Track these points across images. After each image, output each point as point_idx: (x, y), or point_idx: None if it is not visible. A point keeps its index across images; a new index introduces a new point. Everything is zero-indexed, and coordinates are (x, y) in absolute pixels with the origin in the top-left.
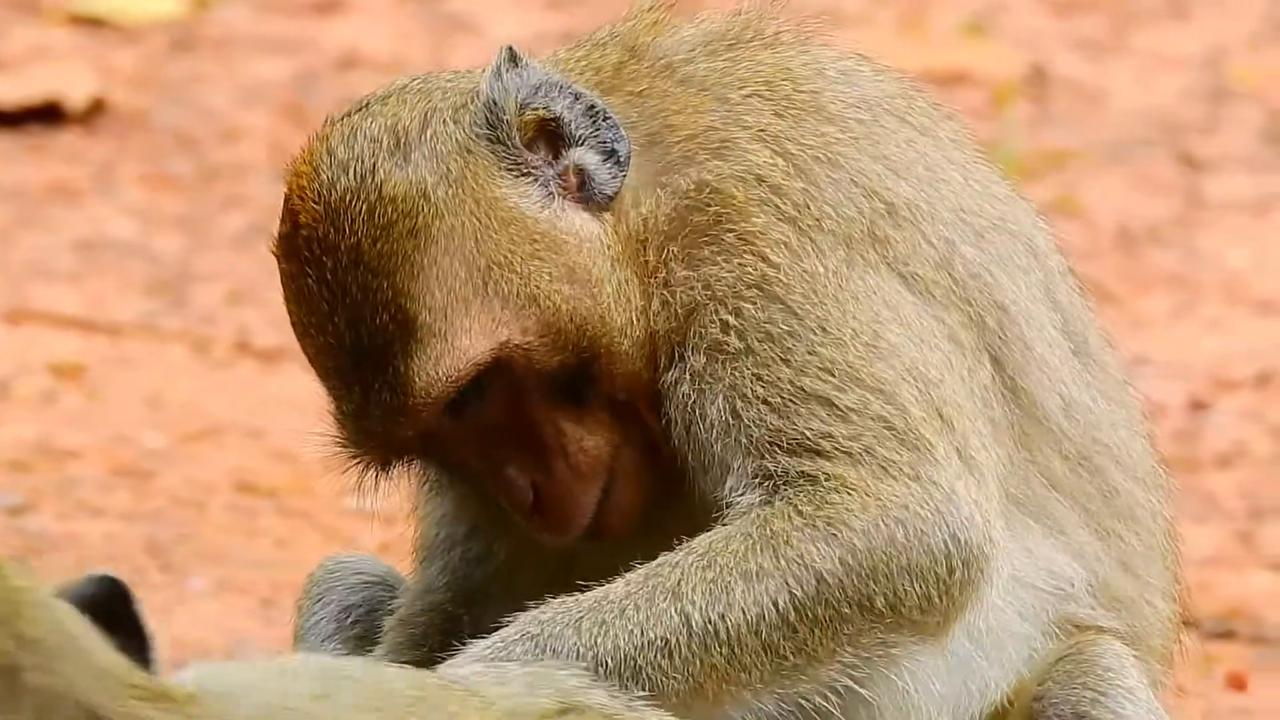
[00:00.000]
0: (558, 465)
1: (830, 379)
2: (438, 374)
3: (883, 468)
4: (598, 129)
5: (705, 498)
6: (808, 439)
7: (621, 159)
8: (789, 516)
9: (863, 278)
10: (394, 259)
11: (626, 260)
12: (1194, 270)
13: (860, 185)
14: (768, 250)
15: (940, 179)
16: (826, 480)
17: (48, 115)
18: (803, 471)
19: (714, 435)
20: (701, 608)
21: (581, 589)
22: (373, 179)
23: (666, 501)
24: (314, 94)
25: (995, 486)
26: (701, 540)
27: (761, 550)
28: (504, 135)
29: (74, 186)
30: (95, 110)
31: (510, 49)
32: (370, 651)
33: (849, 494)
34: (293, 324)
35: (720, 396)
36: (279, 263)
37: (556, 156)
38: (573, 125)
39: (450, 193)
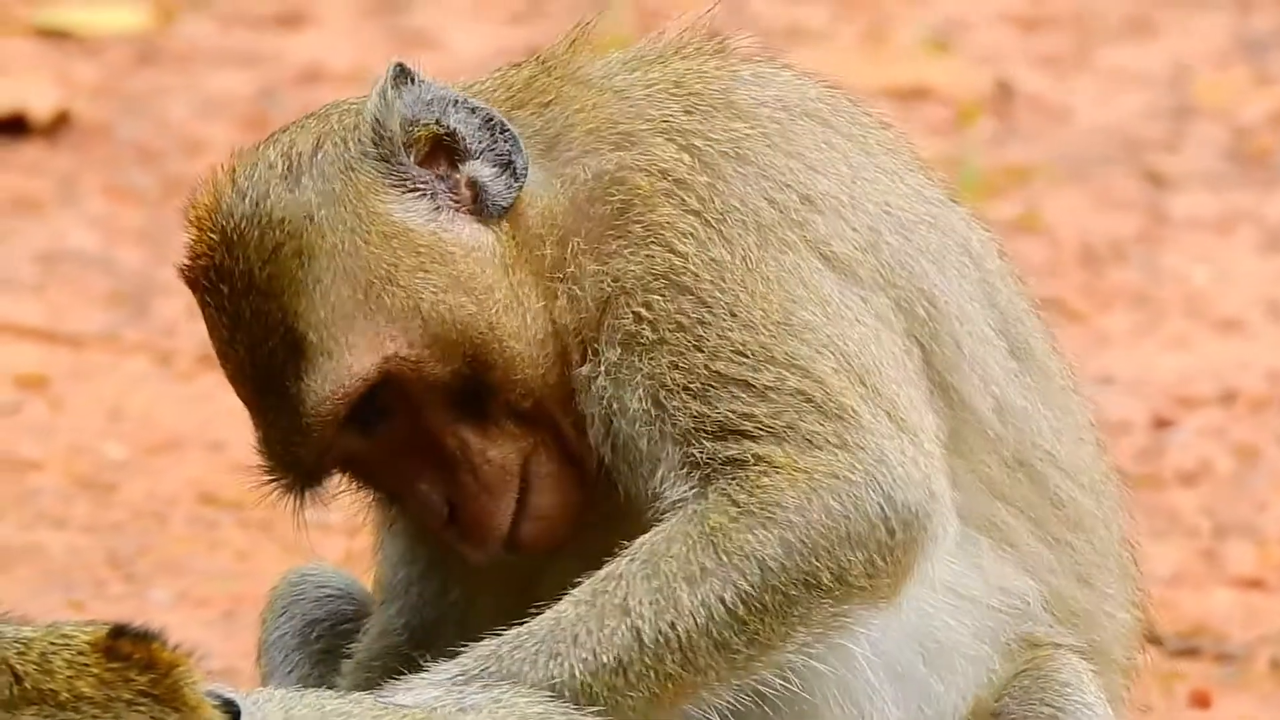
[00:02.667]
0: (466, 479)
1: (744, 360)
2: (326, 391)
3: (807, 440)
4: (495, 142)
5: (631, 494)
6: (730, 422)
7: (518, 171)
8: (724, 508)
9: (777, 258)
10: (282, 281)
11: (522, 263)
12: (1157, 287)
13: (771, 179)
14: (675, 240)
15: (863, 178)
16: (755, 464)
17: (11, 127)
18: (730, 457)
19: (637, 427)
20: (651, 620)
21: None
22: (265, 204)
23: (594, 507)
24: (276, 107)
25: (934, 444)
26: (642, 545)
27: (702, 549)
28: (388, 152)
29: (36, 198)
30: (59, 122)
31: (400, 65)
32: (332, 667)
33: (778, 473)
34: (215, 353)
35: (640, 387)
36: (190, 291)
37: (453, 169)
38: (467, 139)
39: (332, 211)
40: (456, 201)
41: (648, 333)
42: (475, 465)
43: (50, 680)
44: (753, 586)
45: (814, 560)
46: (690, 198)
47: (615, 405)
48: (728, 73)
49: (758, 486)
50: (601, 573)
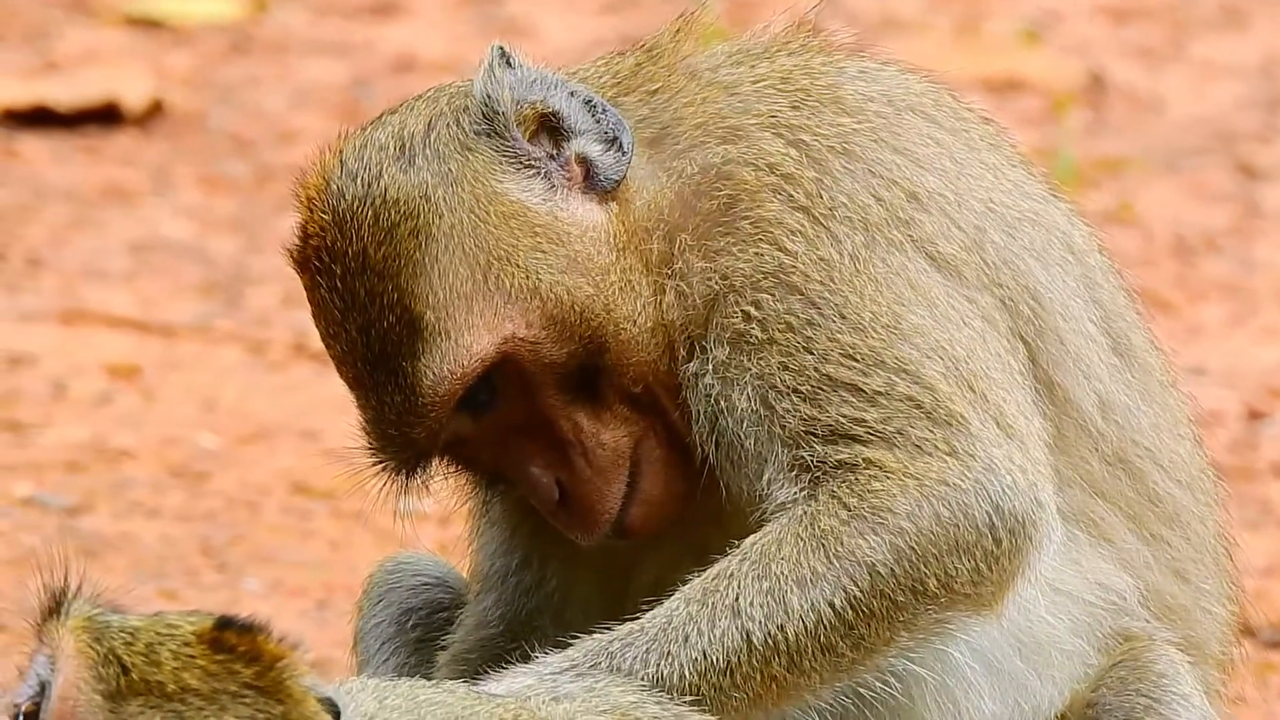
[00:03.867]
0: (578, 461)
1: (854, 363)
2: (444, 372)
3: (917, 447)
4: (598, 119)
5: (733, 491)
6: (840, 425)
7: (624, 146)
8: (835, 511)
9: (884, 259)
10: (398, 261)
11: (632, 249)
12: (1250, 279)
13: (878, 175)
14: (783, 238)
15: (967, 173)
16: (865, 468)
17: (104, 117)
18: (840, 460)
19: (745, 427)
20: (761, 623)
21: (633, 616)
22: (378, 185)
23: (696, 500)
24: (369, 96)
25: (1041, 450)
26: (753, 546)
27: (813, 552)
28: (502, 129)
29: (129, 188)
30: (152, 112)
31: (501, 48)
32: (428, 656)
33: (889, 479)
34: (320, 336)
35: (749, 387)
36: (296, 272)
37: (559, 149)
38: (571, 118)
39: (450, 192)
40: (569, 179)
41: (757, 332)
42: (588, 448)
43: (158, 671)
44: (862, 592)
45: (922, 567)
46: (798, 193)
47: (723, 403)
48: (834, 68)
49: (869, 491)
50: (712, 571)
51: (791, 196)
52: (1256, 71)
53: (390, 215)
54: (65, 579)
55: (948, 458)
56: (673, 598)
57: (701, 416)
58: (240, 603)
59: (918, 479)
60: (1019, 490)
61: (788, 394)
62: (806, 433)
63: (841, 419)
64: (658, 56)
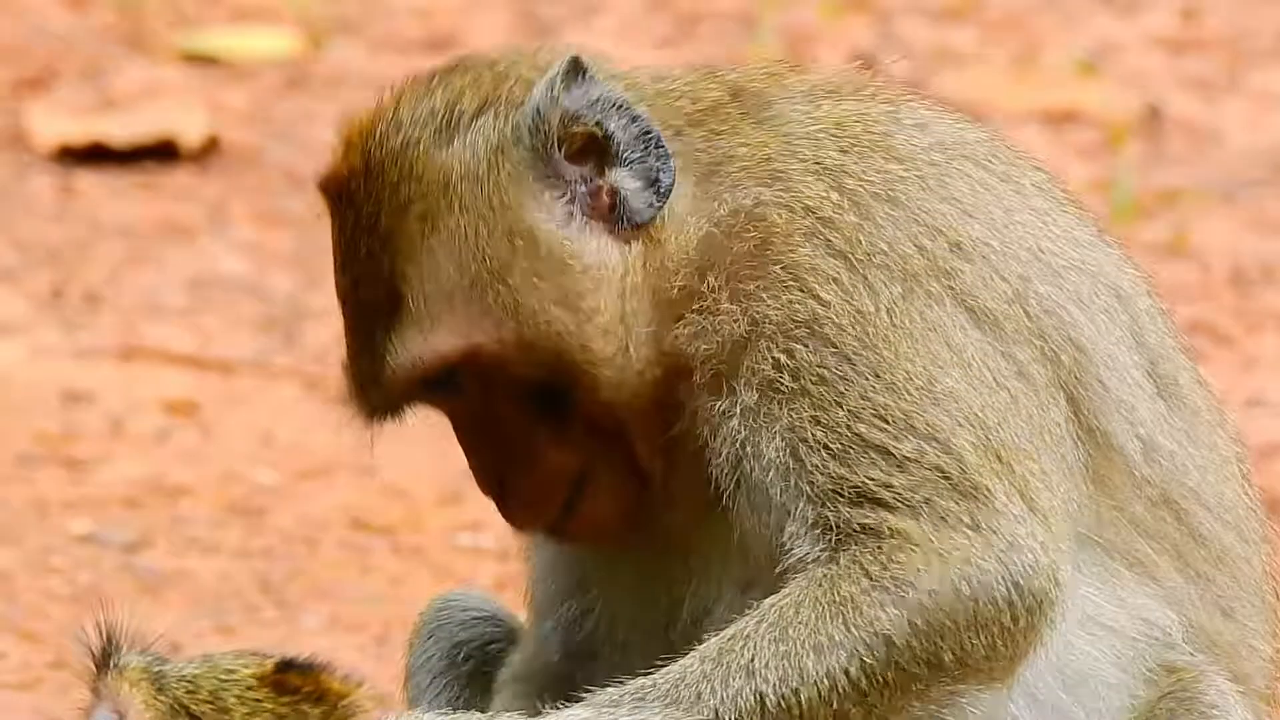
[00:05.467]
0: (518, 469)
1: (886, 426)
2: (408, 358)
3: (942, 518)
4: (646, 154)
5: (748, 528)
6: (868, 489)
7: (662, 190)
8: (856, 578)
9: (922, 313)
10: (401, 237)
11: (645, 288)
12: None
13: (923, 224)
14: (817, 287)
15: (1016, 221)
16: (890, 536)
17: (161, 153)
18: (865, 525)
19: (770, 476)
20: (775, 685)
21: (677, 645)
22: (411, 152)
23: (708, 524)
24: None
25: (1063, 524)
26: (771, 607)
27: (831, 619)
28: (542, 145)
29: (186, 224)
30: (208, 148)
31: (575, 59)
32: (481, 689)
33: (913, 550)
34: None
35: (778, 437)
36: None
37: (600, 174)
38: (621, 146)
39: (469, 189)
40: (593, 208)
41: (788, 381)
42: (533, 460)
43: (228, 719)
44: (878, 662)
45: (939, 641)
46: (836, 238)
47: (749, 449)
48: (890, 117)
49: (892, 561)
50: (729, 631)
51: (829, 241)
52: None
53: (409, 190)
54: (110, 627)
55: (971, 532)
56: (689, 655)
57: (722, 456)
58: (298, 639)
59: (941, 553)
60: (1039, 569)
61: (818, 449)
62: (834, 492)
63: (869, 481)
64: (740, 97)
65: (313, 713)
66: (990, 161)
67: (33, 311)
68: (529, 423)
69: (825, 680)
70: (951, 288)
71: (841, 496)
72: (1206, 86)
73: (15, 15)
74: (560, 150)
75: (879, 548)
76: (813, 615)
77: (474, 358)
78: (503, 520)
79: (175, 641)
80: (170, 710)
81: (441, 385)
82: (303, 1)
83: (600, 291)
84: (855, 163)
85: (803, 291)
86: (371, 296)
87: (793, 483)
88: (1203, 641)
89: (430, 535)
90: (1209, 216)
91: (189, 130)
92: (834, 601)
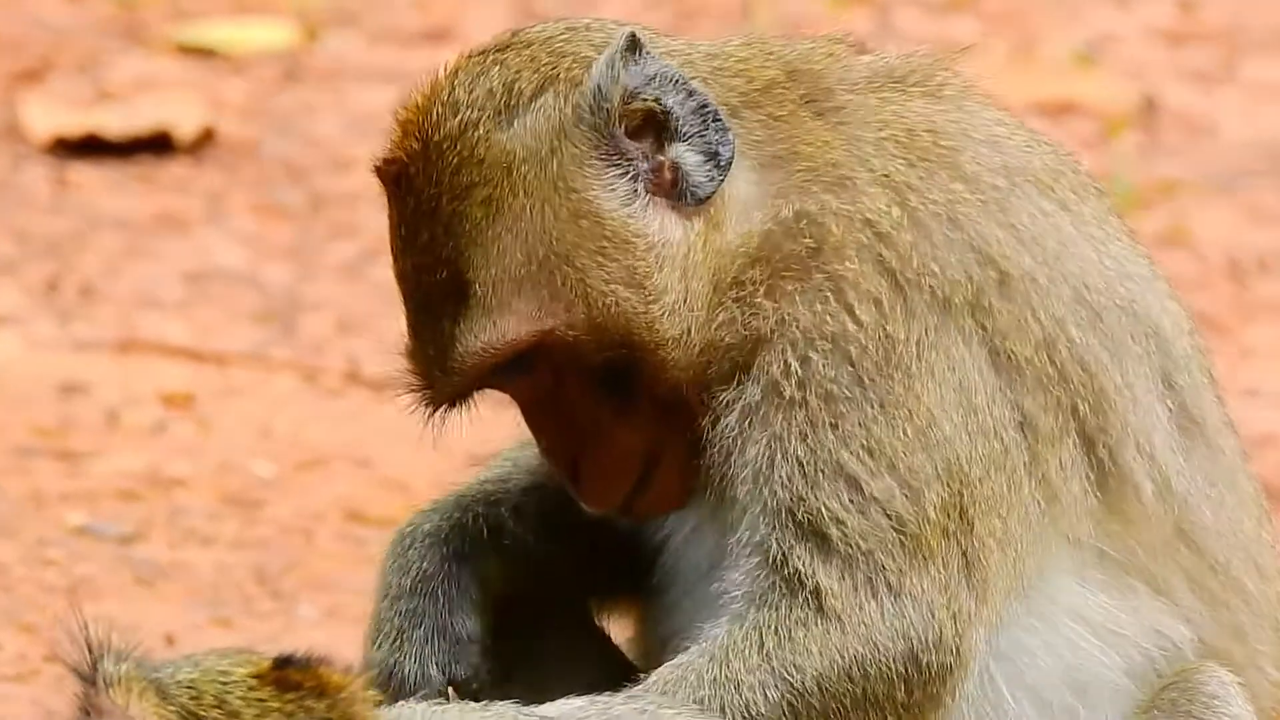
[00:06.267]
0: (592, 450)
1: (869, 460)
2: (477, 346)
3: (868, 580)
4: (705, 128)
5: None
6: (821, 519)
7: (722, 163)
8: (746, 654)
9: (948, 349)
10: (464, 222)
11: (706, 272)
12: None
13: (978, 250)
14: (856, 304)
15: (1070, 253)
16: (805, 601)
17: (157, 145)
18: (795, 572)
19: (745, 474)
20: None
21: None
22: (471, 135)
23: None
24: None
25: (999, 591)
26: (661, 672)
27: (712, 695)
28: (604, 123)
29: (183, 216)
30: (204, 140)
31: (633, 36)
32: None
33: (816, 624)
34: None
35: (763, 441)
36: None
37: (660, 149)
38: (680, 121)
39: (534, 173)
40: (656, 184)
41: (793, 389)
42: (604, 442)
43: None
44: None
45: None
46: (889, 254)
47: (737, 444)
48: (960, 129)
49: (789, 638)
50: (623, 694)
51: (880, 257)
52: None
53: (471, 174)
54: (90, 634)
55: (888, 601)
56: (590, 710)
57: (717, 444)
58: (295, 630)
59: (844, 627)
60: (942, 643)
61: (793, 462)
62: (789, 511)
63: (824, 510)
64: (797, 78)
65: (318, 707)
66: (1054, 188)
67: (29, 303)
68: (598, 403)
69: None
70: (984, 326)
71: (793, 518)
72: (1204, 78)
73: (12, 7)
74: (621, 127)
75: (789, 613)
76: (695, 682)
77: (544, 342)
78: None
79: (170, 633)
80: (179, 718)
81: (510, 370)
82: None
83: (665, 270)
84: (921, 179)
85: (840, 305)
86: (435, 283)
87: (758, 488)
88: (1212, 659)
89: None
90: (1206, 207)
91: (185, 122)
92: (715, 680)
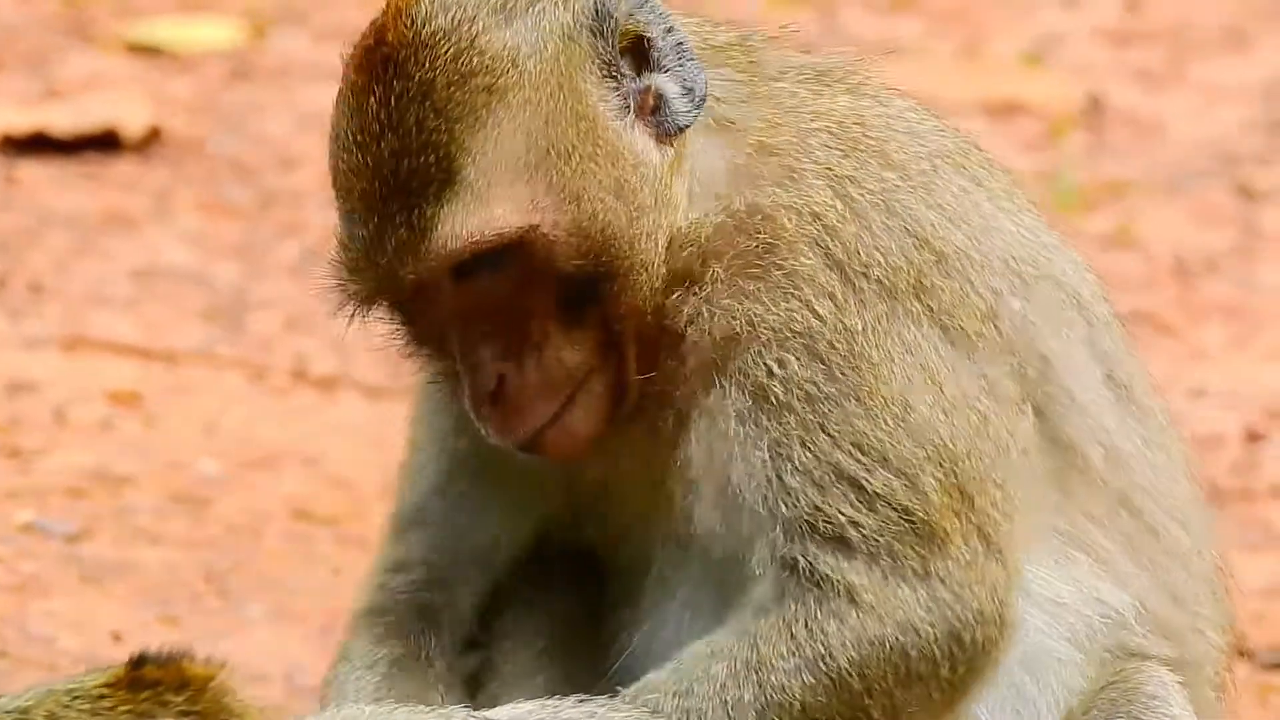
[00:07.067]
0: (530, 364)
1: (861, 457)
2: (461, 230)
3: (896, 568)
4: (682, 63)
5: (699, 518)
6: (838, 525)
7: (697, 99)
8: (777, 644)
9: (901, 334)
10: (462, 107)
11: (671, 210)
12: (1251, 301)
13: (914, 234)
14: (813, 299)
15: (992, 228)
16: (838, 596)
17: (104, 143)
18: (825, 575)
19: (753, 485)
20: None
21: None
22: (469, 27)
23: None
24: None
25: (1018, 552)
26: (685, 654)
27: (744, 679)
28: (605, 35)
29: (130, 214)
30: (152, 138)
31: None
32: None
33: (850, 616)
34: (333, 136)
35: (766, 451)
36: (346, 73)
37: (640, 75)
38: (662, 51)
39: (540, 69)
40: (640, 106)
41: (779, 391)
42: (546, 356)
43: None
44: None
45: (866, 699)
46: (836, 247)
47: (738, 449)
48: (884, 122)
49: (822, 630)
50: (643, 680)
51: (829, 251)
52: (1258, 94)
53: (471, 62)
54: None
55: (919, 584)
56: (614, 698)
57: (700, 443)
58: (242, 629)
59: (882, 614)
60: (985, 618)
61: (800, 472)
62: (808, 522)
63: (840, 517)
64: (750, 49)
65: (175, 701)
66: (966, 167)
67: None
68: (549, 319)
69: None
70: (930, 307)
71: (815, 530)
72: (1150, 78)
73: None
74: (616, 43)
75: (821, 607)
76: (726, 672)
77: (527, 239)
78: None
79: (118, 630)
80: None
81: (477, 268)
82: None
83: (645, 191)
84: (856, 169)
85: (800, 302)
86: (418, 168)
87: (773, 501)
88: (1154, 624)
89: (374, 526)
90: (1152, 208)
91: (132, 120)
92: (748, 663)
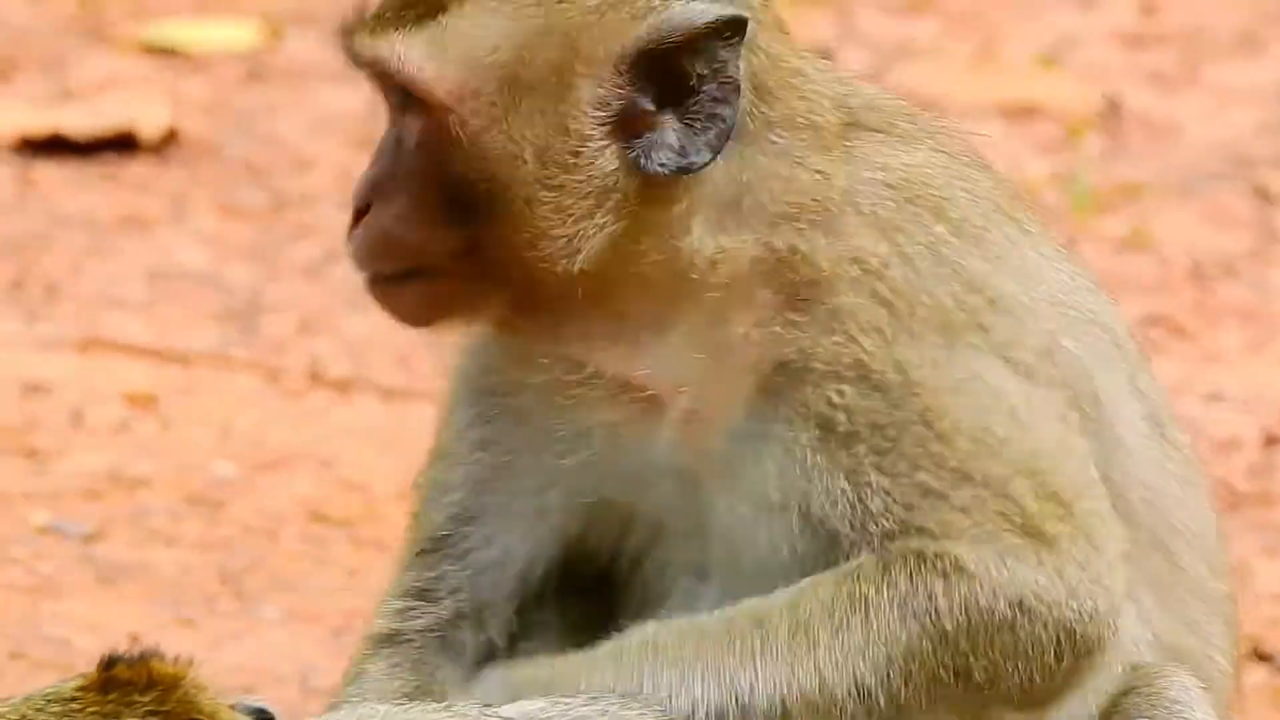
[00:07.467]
0: (392, 212)
1: (944, 474)
2: (394, 51)
3: (1006, 551)
4: (705, 131)
5: (746, 534)
6: (931, 531)
7: (683, 166)
8: (884, 589)
9: (963, 364)
10: None
11: (633, 222)
12: (1267, 304)
13: (963, 280)
14: (859, 334)
15: (1041, 275)
16: (940, 564)
17: (120, 145)
18: (922, 549)
19: (838, 510)
20: (777, 684)
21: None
22: None
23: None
24: (384, 124)
25: (1120, 562)
26: (792, 592)
27: (852, 614)
28: (647, 44)
29: (146, 216)
30: (167, 140)
31: (743, 23)
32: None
33: (959, 581)
34: None
35: (843, 479)
36: None
37: (654, 103)
38: (695, 109)
39: (576, 11)
40: (625, 119)
41: (843, 421)
42: (406, 217)
43: None
44: (896, 657)
45: (971, 659)
46: (881, 288)
47: (816, 479)
48: (946, 180)
49: (927, 589)
50: (745, 607)
51: (874, 290)
52: (1273, 96)
53: None
54: None
55: (1035, 571)
56: (683, 621)
57: (774, 467)
58: (257, 631)
59: (993, 590)
60: (1098, 616)
61: (881, 494)
62: (900, 532)
63: (933, 524)
64: (839, 104)
65: (143, 701)
66: (1015, 217)
67: None
68: (431, 188)
69: (850, 677)
70: (989, 340)
71: (908, 534)
72: (1165, 81)
73: None
74: (652, 59)
75: (919, 570)
76: (836, 610)
77: (440, 113)
78: None
79: (133, 632)
80: None
81: (402, 98)
82: None
83: (579, 172)
84: (907, 221)
85: (845, 336)
86: None
87: (859, 519)
88: (1169, 653)
89: (389, 528)
90: (1168, 210)
91: (149, 122)
92: (854, 599)
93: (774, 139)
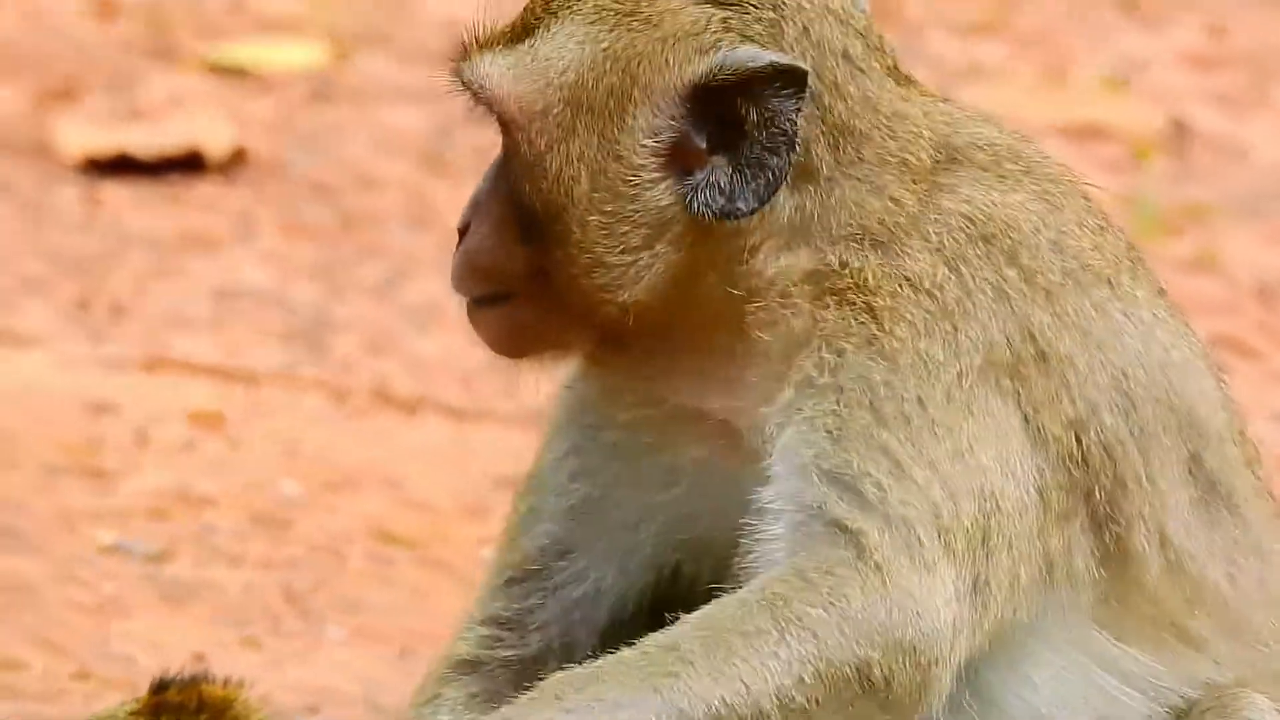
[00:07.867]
0: (479, 236)
1: (908, 446)
2: (480, 72)
3: (907, 545)
4: (753, 179)
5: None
6: (860, 479)
7: (727, 211)
8: (791, 582)
9: (986, 397)
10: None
11: (692, 251)
12: None
13: (1020, 326)
14: (891, 325)
15: (1115, 343)
16: (846, 545)
17: (187, 165)
18: (835, 519)
19: (785, 459)
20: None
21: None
22: None
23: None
24: (452, 144)
25: (983, 630)
26: (701, 616)
27: (759, 612)
28: (705, 81)
29: (212, 235)
30: (234, 159)
31: (803, 75)
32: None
33: (858, 569)
34: None
35: (792, 427)
36: None
37: (707, 143)
38: (747, 158)
39: (640, 37)
40: (676, 153)
41: (824, 378)
42: (488, 239)
43: None
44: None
45: (868, 650)
46: (929, 302)
47: (776, 441)
48: (1031, 226)
49: (831, 574)
50: (656, 638)
51: (920, 302)
52: None
53: None
54: None
55: (925, 575)
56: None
57: (767, 438)
58: (322, 650)
59: (884, 580)
60: (927, 651)
61: (822, 432)
62: (829, 474)
63: (866, 476)
64: (946, 152)
65: None
66: (1110, 280)
67: (59, 322)
68: (509, 211)
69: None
70: (1019, 392)
71: (831, 478)
72: (1233, 102)
73: (42, 26)
74: (709, 92)
75: (829, 553)
76: (743, 617)
77: (515, 131)
78: None
79: (198, 652)
80: None
81: (494, 117)
82: (330, 13)
83: (632, 201)
84: (976, 256)
85: (875, 323)
86: (527, 10)
87: (791, 460)
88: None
89: (455, 548)
90: (1235, 232)
91: (215, 141)
92: (760, 602)
93: (856, 175)
